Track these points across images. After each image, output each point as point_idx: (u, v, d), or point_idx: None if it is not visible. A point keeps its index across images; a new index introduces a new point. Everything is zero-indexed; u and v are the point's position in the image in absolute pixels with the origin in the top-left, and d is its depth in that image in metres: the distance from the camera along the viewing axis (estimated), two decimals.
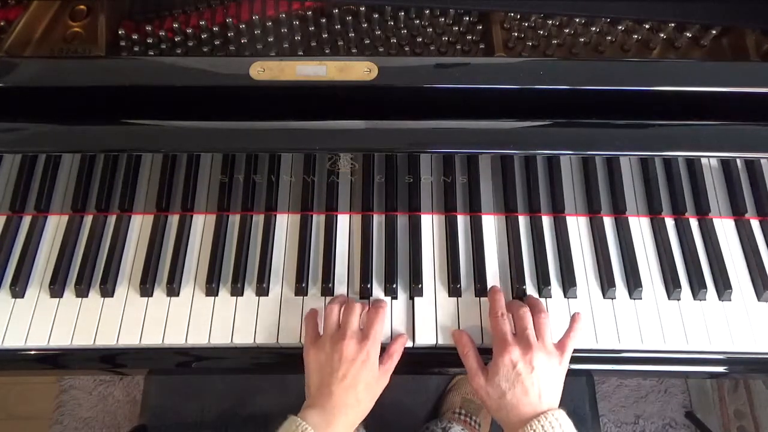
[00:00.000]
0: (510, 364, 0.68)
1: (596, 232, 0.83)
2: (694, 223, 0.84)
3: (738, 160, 0.87)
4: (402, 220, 0.84)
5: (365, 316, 0.74)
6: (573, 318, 0.75)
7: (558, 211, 0.84)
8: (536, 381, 0.67)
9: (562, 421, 0.65)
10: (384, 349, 0.74)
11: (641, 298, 0.79)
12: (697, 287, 0.79)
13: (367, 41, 0.79)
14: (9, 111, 0.71)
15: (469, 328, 0.76)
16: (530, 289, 0.79)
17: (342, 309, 0.74)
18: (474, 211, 0.84)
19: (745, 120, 0.72)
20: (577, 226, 0.84)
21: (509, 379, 0.67)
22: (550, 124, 0.72)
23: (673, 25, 0.79)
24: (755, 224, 0.84)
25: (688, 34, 0.79)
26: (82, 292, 0.78)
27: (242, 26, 0.79)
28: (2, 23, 0.79)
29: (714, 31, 0.78)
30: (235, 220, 0.84)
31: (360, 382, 0.68)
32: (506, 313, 0.73)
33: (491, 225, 0.84)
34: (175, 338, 0.76)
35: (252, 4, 0.81)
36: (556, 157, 0.86)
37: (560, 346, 0.71)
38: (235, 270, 0.80)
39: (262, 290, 0.79)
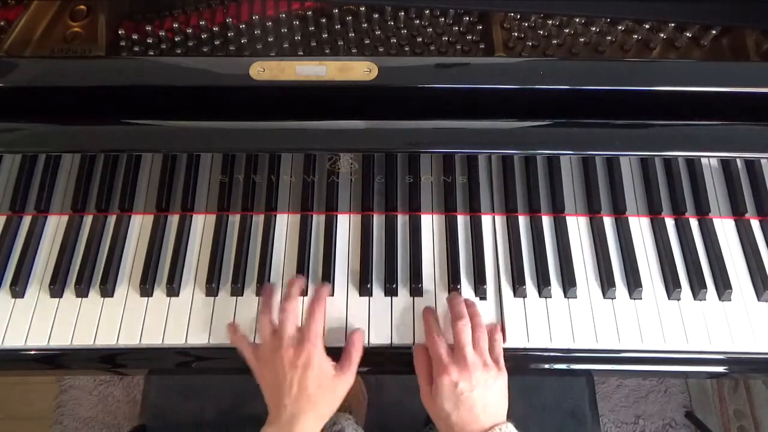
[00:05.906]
0: (450, 384, 0.67)
1: (596, 232, 0.83)
2: (694, 223, 0.84)
3: (738, 160, 0.87)
4: (402, 220, 0.84)
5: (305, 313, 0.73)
6: (494, 329, 0.74)
7: (558, 211, 0.84)
8: (479, 397, 0.67)
9: None
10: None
11: (641, 298, 0.79)
12: (697, 287, 0.79)
13: (367, 41, 0.79)
14: (9, 111, 0.71)
15: None
16: (530, 289, 0.79)
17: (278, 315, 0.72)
18: (474, 211, 0.84)
19: (745, 120, 0.72)
20: (577, 226, 0.84)
21: (451, 399, 0.67)
22: (550, 124, 0.72)
23: (673, 25, 0.79)
24: (755, 224, 0.84)
25: (688, 34, 0.79)
26: (82, 292, 0.78)
27: (242, 26, 0.79)
28: (2, 23, 0.79)
29: (714, 31, 0.78)
30: (235, 220, 0.84)
31: (309, 386, 0.67)
32: (441, 335, 0.72)
33: (491, 225, 0.84)
34: (175, 338, 0.76)
35: (252, 4, 0.81)
36: (556, 157, 0.86)
37: (493, 357, 0.71)
38: (235, 270, 0.80)
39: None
